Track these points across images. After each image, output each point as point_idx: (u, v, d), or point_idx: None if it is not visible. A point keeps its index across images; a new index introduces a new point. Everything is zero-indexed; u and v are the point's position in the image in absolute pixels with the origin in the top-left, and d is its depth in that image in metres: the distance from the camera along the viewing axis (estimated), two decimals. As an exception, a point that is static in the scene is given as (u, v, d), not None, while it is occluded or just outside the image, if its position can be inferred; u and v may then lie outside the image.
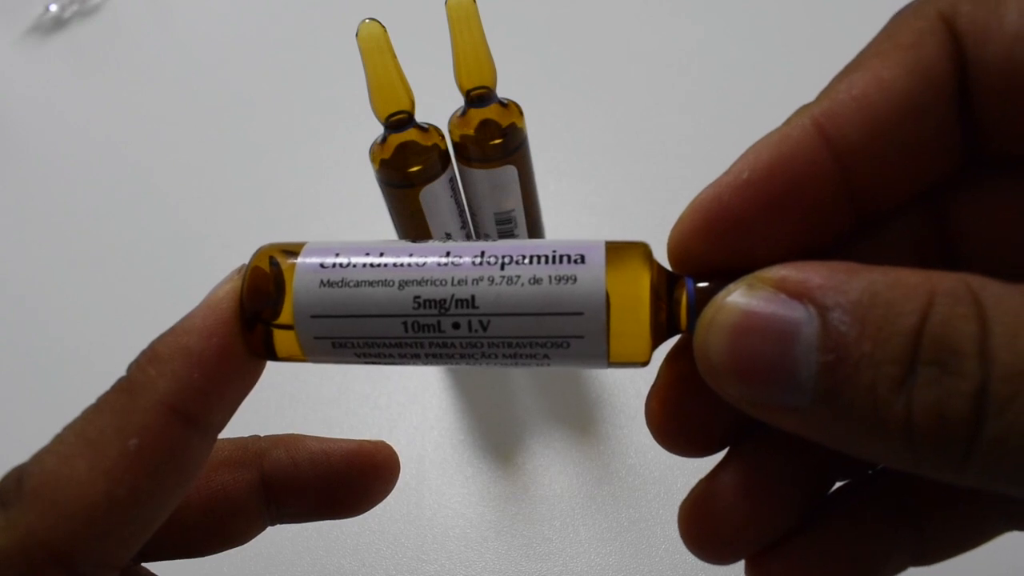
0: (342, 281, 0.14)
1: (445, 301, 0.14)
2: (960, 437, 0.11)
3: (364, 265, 0.15)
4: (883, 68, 0.13)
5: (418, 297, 0.14)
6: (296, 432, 0.20)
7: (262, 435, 0.20)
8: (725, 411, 0.15)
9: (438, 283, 0.14)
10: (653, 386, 0.16)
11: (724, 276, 0.13)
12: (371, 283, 0.14)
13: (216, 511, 0.18)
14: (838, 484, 0.16)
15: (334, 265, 0.15)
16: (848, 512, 0.15)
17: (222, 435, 0.16)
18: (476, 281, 0.14)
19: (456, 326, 0.14)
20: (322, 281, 0.15)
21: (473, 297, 0.14)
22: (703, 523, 0.15)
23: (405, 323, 0.14)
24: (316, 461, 0.19)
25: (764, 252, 0.14)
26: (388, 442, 0.20)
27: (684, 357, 0.15)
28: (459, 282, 0.14)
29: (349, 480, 0.19)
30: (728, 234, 0.14)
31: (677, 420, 0.15)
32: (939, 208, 0.15)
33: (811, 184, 0.13)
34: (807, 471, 0.15)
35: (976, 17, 0.13)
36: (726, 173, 0.14)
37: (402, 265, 0.14)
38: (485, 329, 0.14)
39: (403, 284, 0.14)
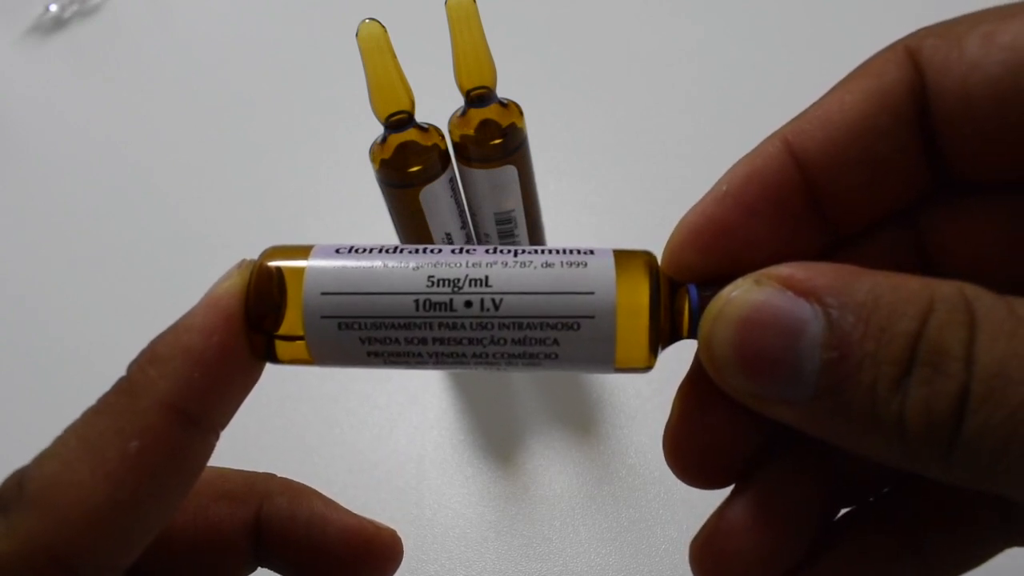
0: (356, 266, 0.15)
1: (459, 280, 0.14)
2: (944, 435, 0.11)
3: (379, 251, 0.15)
4: (846, 92, 0.14)
5: (432, 276, 0.15)
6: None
7: (279, 475, 0.19)
8: (740, 440, 0.15)
9: (453, 265, 0.15)
10: (668, 421, 0.16)
11: (725, 284, 0.14)
12: (385, 265, 0.15)
13: (204, 541, 0.18)
14: (842, 512, 0.16)
15: (350, 250, 0.15)
16: (853, 540, 0.15)
17: (236, 465, 0.15)
18: (490, 264, 0.15)
19: (468, 304, 0.14)
20: (335, 265, 0.15)
21: (487, 277, 0.14)
22: (716, 562, 0.15)
23: (417, 301, 0.14)
24: (312, 523, 0.18)
25: (752, 259, 0.14)
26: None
27: (695, 389, 0.16)
28: (474, 265, 0.15)
29: (335, 556, 0.18)
30: (715, 242, 0.15)
31: (693, 451, 0.16)
32: (917, 227, 0.15)
33: (781, 192, 0.15)
34: (813, 502, 0.15)
35: (939, 48, 0.13)
36: (709, 191, 0.15)
37: (417, 251, 0.15)
38: (497, 308, 0.14)
39: (418, 267, 0.15)
